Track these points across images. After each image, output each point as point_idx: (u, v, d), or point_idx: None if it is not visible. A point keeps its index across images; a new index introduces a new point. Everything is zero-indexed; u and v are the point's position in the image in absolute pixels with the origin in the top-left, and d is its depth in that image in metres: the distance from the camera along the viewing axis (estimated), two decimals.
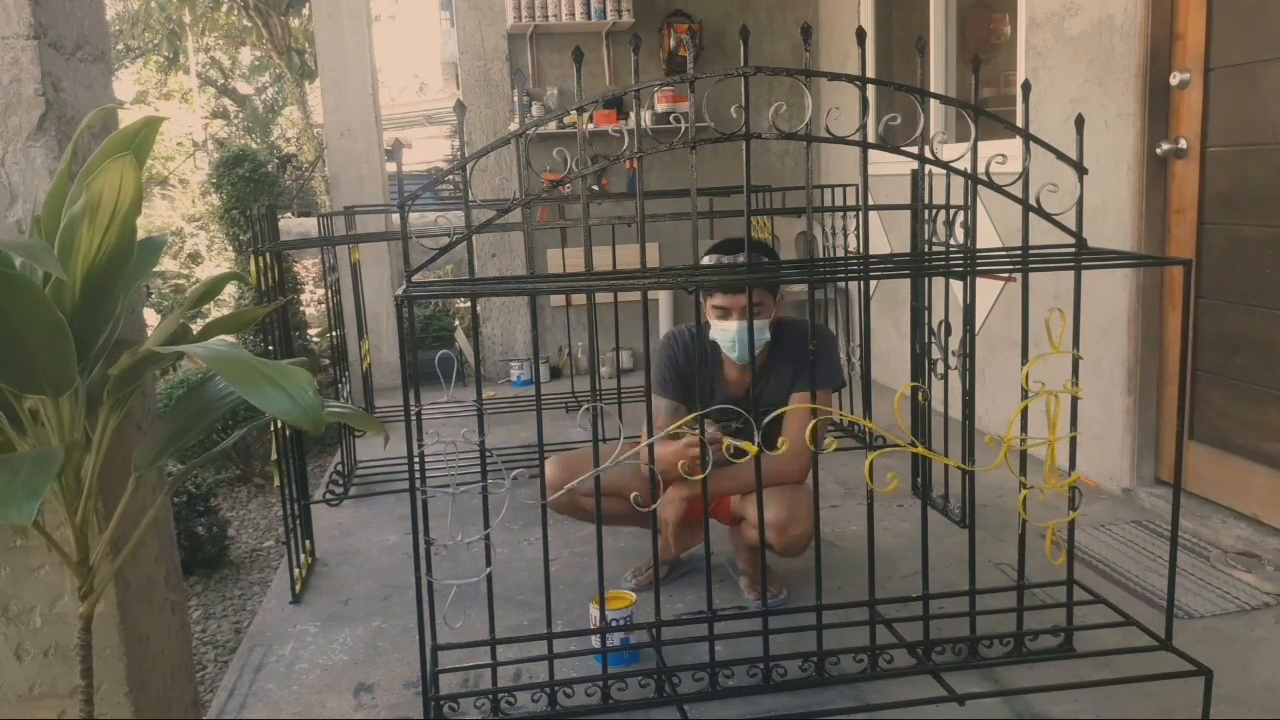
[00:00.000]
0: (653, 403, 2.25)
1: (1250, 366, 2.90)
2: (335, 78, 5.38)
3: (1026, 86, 2.24)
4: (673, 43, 5.43)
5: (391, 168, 5.54)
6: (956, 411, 2.59)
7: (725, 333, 2.51)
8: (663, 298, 5.57)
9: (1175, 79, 3.05)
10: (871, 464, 1.98)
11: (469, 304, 5.94)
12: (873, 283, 4.80)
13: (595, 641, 2.31)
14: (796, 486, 2.48)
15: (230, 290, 5.56)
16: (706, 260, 2.50)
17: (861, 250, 2.92)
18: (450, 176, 2.17)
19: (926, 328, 2.93)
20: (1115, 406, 3.30)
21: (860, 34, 2.03)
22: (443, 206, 6.76)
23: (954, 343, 2.72)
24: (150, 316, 5.61)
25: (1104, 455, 3.36)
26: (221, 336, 1.51)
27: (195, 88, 13.30)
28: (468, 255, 2.06)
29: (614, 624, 2.27)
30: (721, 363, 2.64)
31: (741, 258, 2.37)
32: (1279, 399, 2.81)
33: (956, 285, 3.02)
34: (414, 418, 1.85)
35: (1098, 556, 2.82)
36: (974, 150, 2.05)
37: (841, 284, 5.18)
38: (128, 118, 1.64)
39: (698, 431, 2.07)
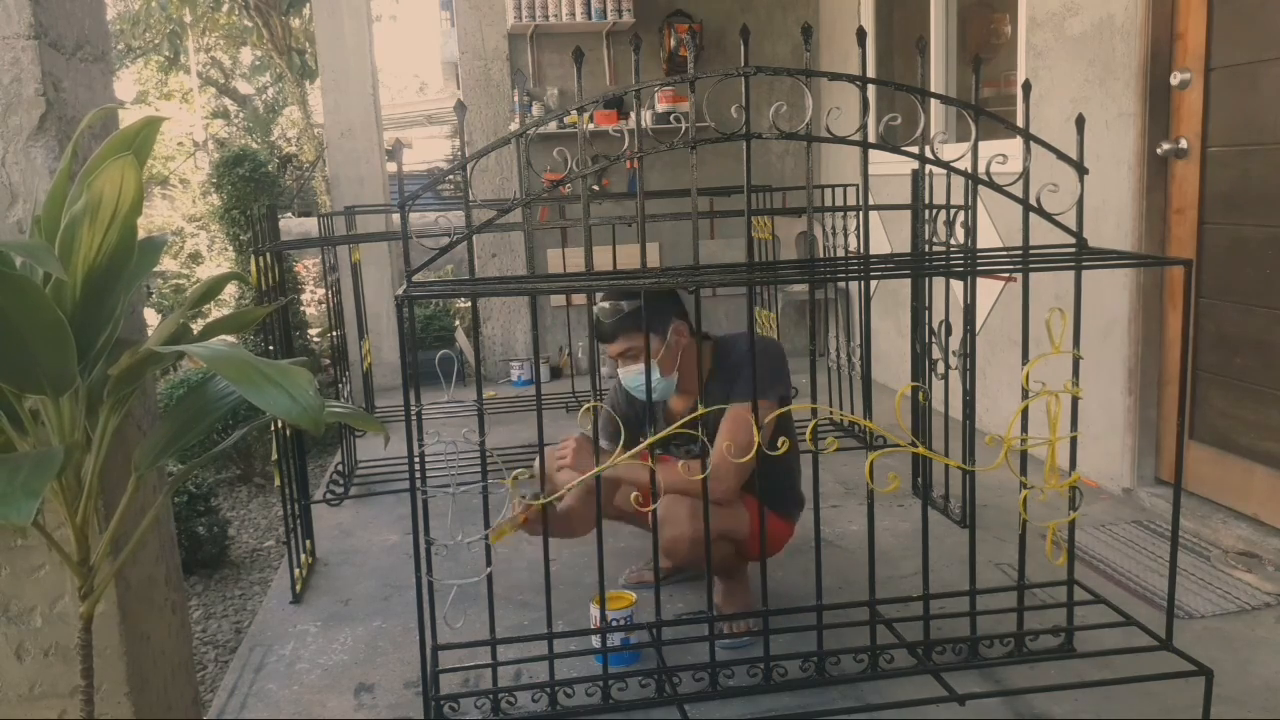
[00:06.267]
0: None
1: (1250, 366, 2.90)
2: (335, 78, 5.39)
3: (1027, 86, 2.24)
4: (673, 43, 5.43)
5: (392, 168, 5.55)
6: (957, 411, 2.59)
7: (624, 379, 2.47)
8: None
9: (1176, 79, 3.05)
10: (872, 464, 1.98)
11: (469, 304, 5.94)
12: (873, 283, 4.80)
13: (595, 641, 2.31)
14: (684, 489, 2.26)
15: (230, 290, 5.57)
16: (600, 306, 2.42)
17: (862, 250, 2.92)
18: (450, 176, 2.17)
19: (927, 328, 2.93)
20: (1115, 406, 3.30)
21: (860, 34, 2.03)
22: (443, 206, 6.78)
23: (954, 343, 2.72)
24: (150, 316, 5.61)
25: (1104, 455, 3.36)
26: (222, 337, 1.51)
27: (195, 88, 13.30)
28: (468, 255, 2.06)
29: (614, 624, 2.27)
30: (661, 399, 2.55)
31: (625, 305, 2.33)
32: (1279, 399, 2.81)
33: (957, 285, 3.02)
34: (414, 418, 1.85)
35: (1098, 556, 2.82)
36: (974, 150, 2.05)
37: (842, 284, 5.18)
38: (128, 118, 1.64)
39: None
